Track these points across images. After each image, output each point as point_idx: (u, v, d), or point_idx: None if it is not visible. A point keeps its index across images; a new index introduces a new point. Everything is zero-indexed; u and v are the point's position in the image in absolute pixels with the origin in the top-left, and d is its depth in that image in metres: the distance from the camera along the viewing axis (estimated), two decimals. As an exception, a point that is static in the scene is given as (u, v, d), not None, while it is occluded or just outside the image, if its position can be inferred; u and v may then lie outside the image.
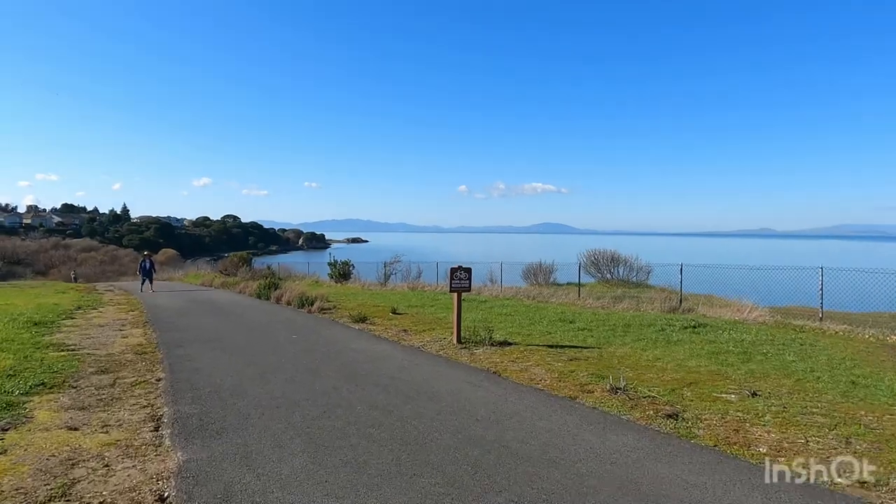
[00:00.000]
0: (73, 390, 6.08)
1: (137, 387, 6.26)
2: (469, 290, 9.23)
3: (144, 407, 5.47)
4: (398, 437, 4.36)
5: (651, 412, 5.42)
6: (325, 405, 5.28)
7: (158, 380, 6.56)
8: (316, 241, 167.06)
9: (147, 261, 22.53)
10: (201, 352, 8.17)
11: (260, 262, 36.78)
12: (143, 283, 21.76)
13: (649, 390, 6.19)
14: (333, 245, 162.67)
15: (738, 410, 5.48)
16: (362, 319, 11.89)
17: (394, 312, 13.68)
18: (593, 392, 6.15)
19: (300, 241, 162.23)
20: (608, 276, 23.66)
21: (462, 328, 9.34)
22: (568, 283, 25.25)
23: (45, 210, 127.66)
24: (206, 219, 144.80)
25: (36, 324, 11.10)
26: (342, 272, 25.20)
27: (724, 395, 6.09)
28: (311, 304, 14.40)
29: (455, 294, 9.12)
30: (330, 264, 25.98)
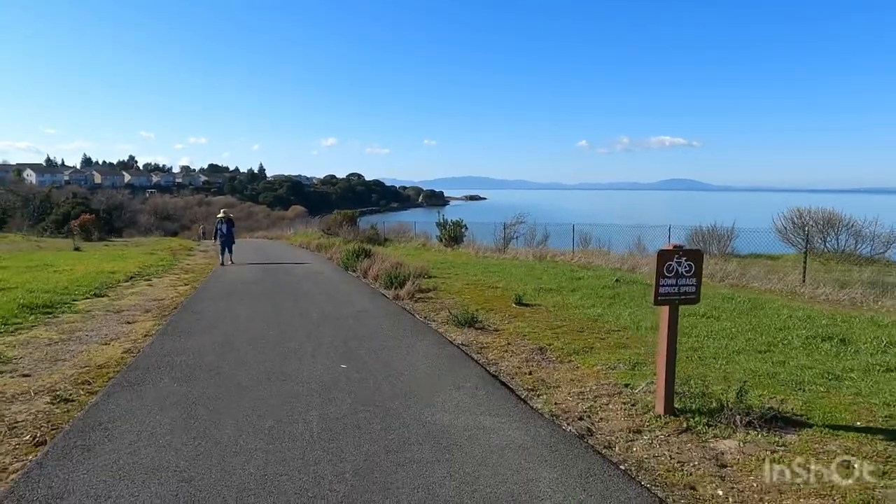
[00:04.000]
0: None
1: None
2: (697, 300, 4.15)
3: None
4: None
5: None
6: None
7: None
8: (435, 199, 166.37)
9: (224, 223, 15.54)
10: (150, 414, 4.15)
11: (381, 220, 33.88)
12: (222, 254, 15.43)
13: None
14: (451, 202, 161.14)
15: None
16: (470, 321, 7.36)
17: (519, 303, 9.04)
18: None
19: (420, 199, 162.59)
20: (820, 245, 16.76)
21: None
22: (752, 255, 18.66)
23: (194, 170, 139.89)
24: (333, 177, 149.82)
25: (32, 308, 8.13)
26: (453, 235, 20.95)
27: None
28: (402, 286, 10.20)
29: (665, 310, 4.13)
30: (439, 224, 21.84)
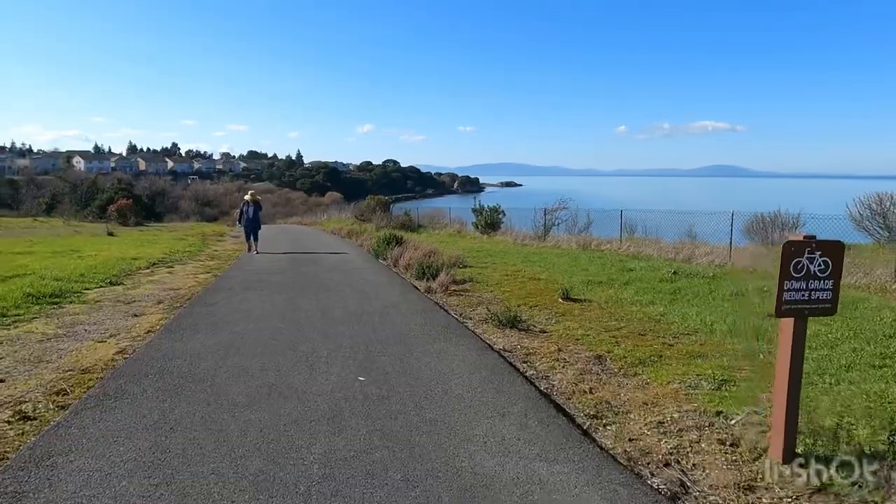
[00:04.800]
0: None
1: None
2: (834, 310, 3.03)
3: None
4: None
5: None
6: None
7: None
8: (470, 185, 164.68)
9: (250, 206, 14.02)
10: (115, 443, 3.34)
11: (415, 206, 33.10)
12: (248, 240, 14.20)
13: None
14: (487, 189, 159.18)
15: None
16: (512, 321, 6.35)
17: (566, 298, 8.00)
18: None
19: (455, 185, 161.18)
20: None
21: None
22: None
23: (234, 157, 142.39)
24: (369, 163, 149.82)
25: (38, 298, 7.56)
26: (489, 221, 19.89)
27: None
28: (434, 277, 9.26)
29: (789, 322, 3.02)
30: (475, 211, 20.80)
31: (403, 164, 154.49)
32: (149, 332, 6.10)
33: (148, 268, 11.25)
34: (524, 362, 5.10)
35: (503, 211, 20.57)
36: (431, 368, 4.65)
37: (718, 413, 3.85)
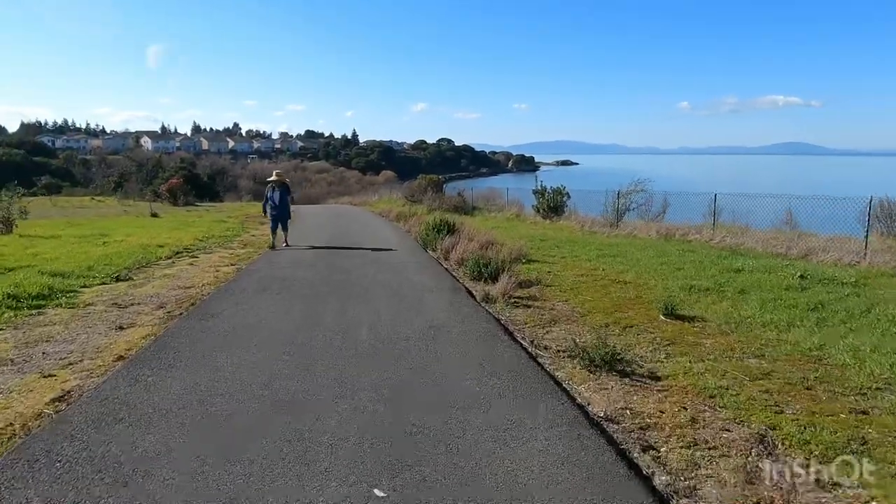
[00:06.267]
0: None
1: None
2: None
3: None
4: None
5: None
6: None
7: None
8: (525, 164, 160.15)
9: (276, 191, 11.33)
10: None
11: (469, 185, 31.19)
12: (274, 231, 11.56)
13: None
14: (542, 168, 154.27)
15: None
16: (609, 359, 4.43)
17: (669, 314, 6.00)
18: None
19: (510, 164, 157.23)
20: None
21: None
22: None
23: (292, 136, 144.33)
24: (423, 142, 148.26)
25: (20, 299, 6.31)
26: (553, 205, 17.72)
27: None
28: (493, 277, 7.41)
29: None
30: (536, 192, 18.65)
31: (457, 143, 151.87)
32: (119, 358, 4.61)
33: (170, 257, 10.01)
34: (645, 448, 3.19)
35: (567, 193, 18.32)
36: (497, 468, 2.83)
37: None
